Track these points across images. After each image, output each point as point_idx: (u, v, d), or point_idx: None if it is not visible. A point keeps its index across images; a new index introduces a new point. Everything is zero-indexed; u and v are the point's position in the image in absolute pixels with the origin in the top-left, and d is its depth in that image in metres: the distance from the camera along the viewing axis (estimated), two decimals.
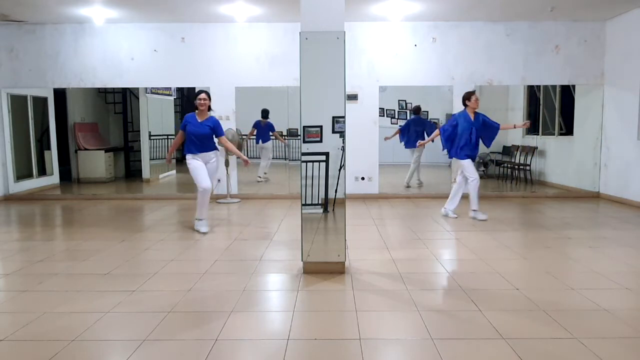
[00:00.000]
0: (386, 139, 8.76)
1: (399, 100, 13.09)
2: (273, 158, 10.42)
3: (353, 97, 8.08)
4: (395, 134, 8.88)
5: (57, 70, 8.20)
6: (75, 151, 10.25)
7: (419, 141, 7.68)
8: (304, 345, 2.75)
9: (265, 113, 8.99)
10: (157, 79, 8.38)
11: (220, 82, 8.16)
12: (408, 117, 13.15)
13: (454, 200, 6.42)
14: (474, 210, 6.31)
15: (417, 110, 9.08)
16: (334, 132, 3.92)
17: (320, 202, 4.04)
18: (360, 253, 4.70)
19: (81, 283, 3.84)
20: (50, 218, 7.06)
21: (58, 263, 4.45)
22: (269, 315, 3.24)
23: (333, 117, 3.90)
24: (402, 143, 8.89)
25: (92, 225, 6.21)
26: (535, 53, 8.07)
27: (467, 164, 6.22)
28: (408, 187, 8.96)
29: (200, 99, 5.47)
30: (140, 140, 10.48)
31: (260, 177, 9.44)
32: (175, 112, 12.85)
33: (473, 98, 6.13)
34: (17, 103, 8.48)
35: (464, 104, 6.23)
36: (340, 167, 3.98)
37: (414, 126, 8.90)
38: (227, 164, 7.93)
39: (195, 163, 5.51)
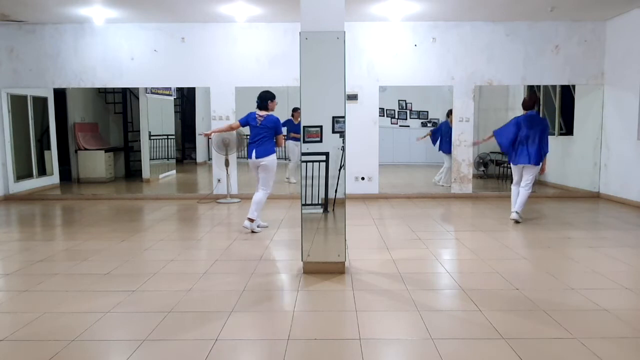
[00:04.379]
0: None
1: (399, 100, 13.13)
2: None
3: (353, 97, 8.08)
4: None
5: (57, 70, 8.20)
6: (75, 151, 10.25)
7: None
8: (304, 345, 2.75)
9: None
10: (157, 79, 8.38)
11: (220, 82, 8.16)
12: (408, 117, 13.16)
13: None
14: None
15: None
16: (334, 132, 3.92)
17: (320, 202, 4.04)
18: (360, 253, 4.70)
19: (81, 283, 3.84)
20: (50, 218, 7.06)
21: (58, 263, 4.45)
22: (269, 315, 3.24)
23: (333, 117, 3.90)
24: None
25: (92, 225, 6.21)
26: (535, 53, 8.07)
27: None
28: None
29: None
30: (140, 140, 10.49)
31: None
32: (175, 112, 12.86)
33: None
34: (17, 103, 8.48)
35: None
36: (340, 167, 3.98)
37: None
38: (227, 163, 7.93)
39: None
